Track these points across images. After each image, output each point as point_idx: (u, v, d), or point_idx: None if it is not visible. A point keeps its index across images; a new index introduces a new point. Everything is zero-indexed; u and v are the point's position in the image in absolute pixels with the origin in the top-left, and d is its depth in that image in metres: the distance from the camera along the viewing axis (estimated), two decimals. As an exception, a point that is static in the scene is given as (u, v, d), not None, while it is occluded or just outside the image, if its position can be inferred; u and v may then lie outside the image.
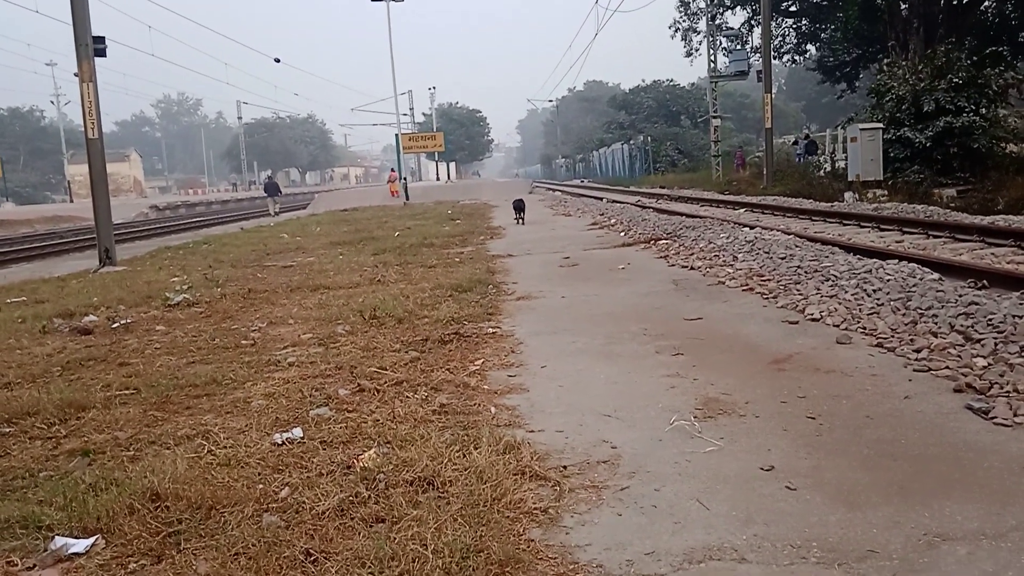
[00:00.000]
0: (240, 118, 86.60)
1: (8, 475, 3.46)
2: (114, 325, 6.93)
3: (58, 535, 2.82)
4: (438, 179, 60.76)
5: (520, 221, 17.93)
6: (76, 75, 12.89)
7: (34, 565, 2.67)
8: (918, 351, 4.67)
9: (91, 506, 2.99)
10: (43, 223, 38.00)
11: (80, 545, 2.74)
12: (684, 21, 38.60)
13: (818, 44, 36.28)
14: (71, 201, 59.89)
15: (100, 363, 5.52)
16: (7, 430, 4.08)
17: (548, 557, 2.58)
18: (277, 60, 50.60)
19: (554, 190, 48.68)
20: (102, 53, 12.88)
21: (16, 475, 3.46)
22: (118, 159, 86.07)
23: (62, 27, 15.08)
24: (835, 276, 7.15)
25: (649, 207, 21.49)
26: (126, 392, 4.67)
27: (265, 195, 38.12)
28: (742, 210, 18.94)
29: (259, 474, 3.29)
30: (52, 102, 74.50)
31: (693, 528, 2.73)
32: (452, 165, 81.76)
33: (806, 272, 7.60)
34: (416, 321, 6.25)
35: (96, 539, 2.79)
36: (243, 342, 5.98)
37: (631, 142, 55.96)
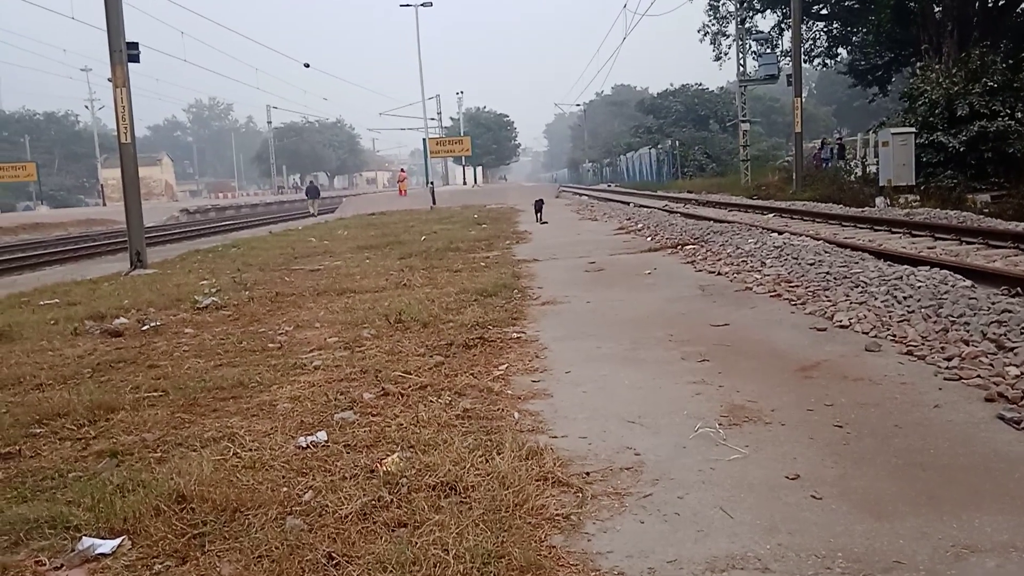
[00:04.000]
0: (270, 122, 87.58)
1: (38, 475, 3.52)
2: (144, 327, 7.02)
3: (85, 535, 2.86)
4: (464, 183, 60.92)
5: (540, 219, 19.20)
6: (110, 80, 13.10)
7: (61, 565, 2.71)
8: (949, 359, 4.59)
9: (118, 507, 3.03)
10: (76, 226, 38.65)
11: (107, 546, 2.78)
12: (713, 25, 38.45)
13: (849, 47, 35.94)
14: (104, 204, 60.89)
15: (130, 365, 5.58)
16: (38, 431, 4.14)
17: (570, 564, 2.57)
18: (307, 65, 51.21)
19: (581, 194, 48.58)
20: (135, 59, 13.09)
21: (46, 476, 3.51)
22: (150, 163, 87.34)
23: (97, 33, 15.35)
24: (865, 282, 7.07)
25: (676, 212, 21.39)
26: (154, 394, 4.72)
27: (307, 198, 42.27)
28: (771, 215, 18.78)
29: (283, 477, 3.32)
30: (87, 107, 75.78)
31: (716, 536, 2.71)
32: (479, 169, 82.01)
33: (835, 278, 7.53)
34: (441, 325, 6.27)
35: (122, 540, 2.83)
36: (270, 345, 6.03)
37: (659, 146, 55.78)
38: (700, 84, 65.98)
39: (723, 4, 37.51)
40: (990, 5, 27.12)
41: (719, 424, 3.76)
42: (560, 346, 5.60)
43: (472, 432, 3.75)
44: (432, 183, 40.36)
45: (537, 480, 3.15)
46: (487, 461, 3.32)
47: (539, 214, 19.95)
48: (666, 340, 5.60)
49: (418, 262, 11.36)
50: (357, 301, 7.93)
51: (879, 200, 19.46)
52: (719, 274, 8.76)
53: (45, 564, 2.72)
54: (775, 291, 7.32)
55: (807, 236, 11.59)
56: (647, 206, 25.60)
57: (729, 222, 15.75)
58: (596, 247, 12.72)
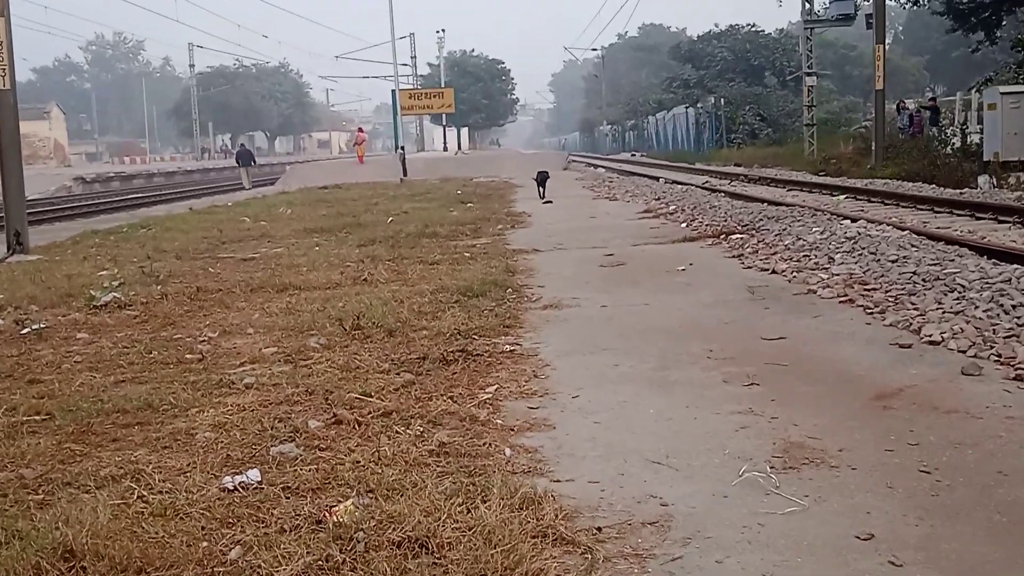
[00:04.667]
0: (192, 66, 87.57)
1: None
2: (24, 331, 7.00)
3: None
4: (445, 149, 60.85)
5: (543, 197, 20.09)
6: (-17, 8, 13.05)
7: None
8: (1071, 388, 4.60)
9: (-15, 566, 3.01)
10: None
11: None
12: (771, -53, 38.51)
13: (948, -20, 35.94)
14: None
15: (4, 379, 5.56)
16: None
17: (574, 648, 2.58)
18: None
19: (596, 166, 48.83)
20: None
21: None
22: (35, 116, 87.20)
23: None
24: (962, 286, 7.12)
25: (720, 191, 21.48)
26: (36, 418, 4.70)
27: (237, 165, 41.41)
28: (842, 197, 18.86)
29: (203, 528, 3.30)
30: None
31: (765, 614, 2.72)
32: (464, 132, 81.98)
33: (924, 280, 7.57)
34: (412, 334, 6.36)
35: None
36: (188, 356, 6.04)
37: (698, 105, 55.93)
38: (753, 25, 66.25)
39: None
40: None
41: (771, 467, 3.77)
42: (566, 363, 5.65)
43: (450, 473, 3.75)
44: (402, 148, 40.34)
45: (533, 537, 3.14)
46: (469, 511, 3.31)
47: (542, 190, 20.46)
48: (703, 357, 5.65)
49: (383, 251, 11.48)
50: (303, 300, 7.98)
51: (982, 179, 19.54)
52: (773, 272, 8.86)
53: None
54: (846, 295, 7.36)
55: (888, 225, 11.65)
56: (682, 183, 25.66)
57: (788, 205, 15.83)
58: (615, 234, 12.81)
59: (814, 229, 11.21)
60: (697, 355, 5.69)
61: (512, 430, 4.37)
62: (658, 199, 19.38)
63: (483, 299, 7.75)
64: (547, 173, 21.47)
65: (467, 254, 10.99)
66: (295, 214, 18.73)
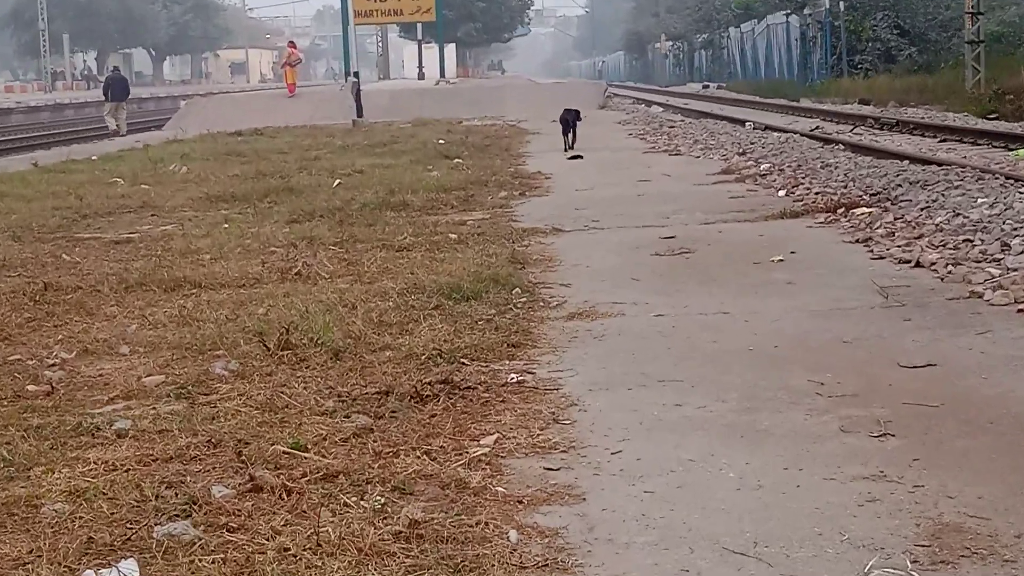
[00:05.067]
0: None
1: None
2: None
3: None
4: (422, 77, 60.50)
5: (569, 148, 20.63)
6: None
7: None
8: None
9: None
10: None
11: None
12: None
13: None
14: None
15: None
16: None
17: None
18: None
19: (649, 102, 48.48)
20: None
21: None
22: None
23: None
24: None
25: (837, 141, 21.48)
26: None
27: (105, 99, 40.07)
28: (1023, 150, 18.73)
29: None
30: None
31: None
32: (451, 51, 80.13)
33: None
34: (369, 356, 6.37)
35: None
36: (30, 388, 6.00)
37: (805, 11, 55.49)
38: None
39: None
40: None
41: (912, 561, 3.73)
42: (602, 401, 5.65)
43: (425, 568, 3.74)
44: (356, 76, 39.58)
45: None
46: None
47: (569, 138, 20.77)
48: (810, 393, 5.65)
49: (326, 231, 11.51)
50: (205, 304, 7.99)
51: None
52: (917, 265, 8.84)
53: None
54: (1030, 301, 7.30)
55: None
56: (780, 128, 25.70)
57: (940, 164, 15.76)
58: (678, 207, 12.87)
59: (980, 201, 11.13)
60: (801, 390, 5.68)
61: (520, 503, 4.34)
62: (743, 154, 19.34)
63: (477, 304, 7.80)
64: (577, 113, 21.47)
65: (453, 236, 10.99)
66: (194, 173, 18.67)
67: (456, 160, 19.70)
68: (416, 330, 6.95)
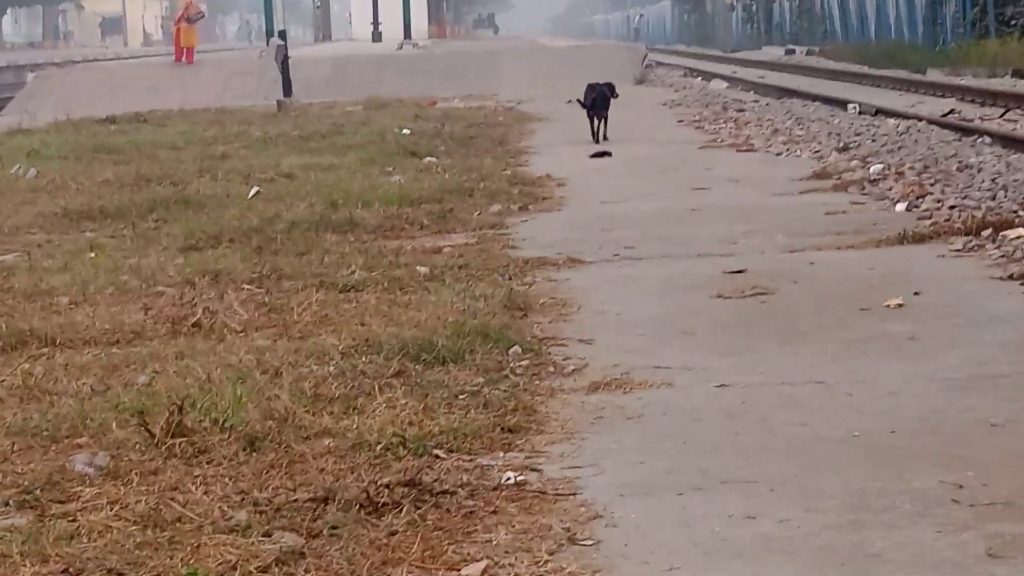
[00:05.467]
0: None
1: None
2: None
3: None
4: (377, 39, 56.09)
5: (597, 139, 18.54)
6: None
7: None
8: None
9: None
10: None
11: None
12: None
13: None
14: None
15: None
16: None
17: None
18: None
19: (708, 75, 44.19)
20: None
21: None
22: None
23: None
24: None
25: (982, 130, 20.04)
26: None
27: None
28: None
29: None
30: None
31: None
32: (422, 2, 70.40)
33: None
34: (298, 446, 5.50)
35: None
36: None
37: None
38: None
39: None
40: None
41: None
42: (640, 510, 4.81)
43: None
44: (282, 37, 34.52)
45: None
46: None
47: (597, 125, 18.67)
48: (943, 500, 4.77)
49: (238, 261, 10.22)
50: (60, 369, 7.00)
51: None
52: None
53: None
54: None
55: None
56: (897, 113, 23.96)
57: None
58: (749, 226, 11.71)
59: None
60: (930, 496, 4.77)
61: None
62: (844, 150, 17.78)
63: (458, 368, 6.71)
64: (610, 89, 19.27)
65: (423, 269, 9.70)
66: (47, 179, 16.66)
67: (428, 159, 17.87)
68: (369, 408, 5.91)
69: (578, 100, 18.99)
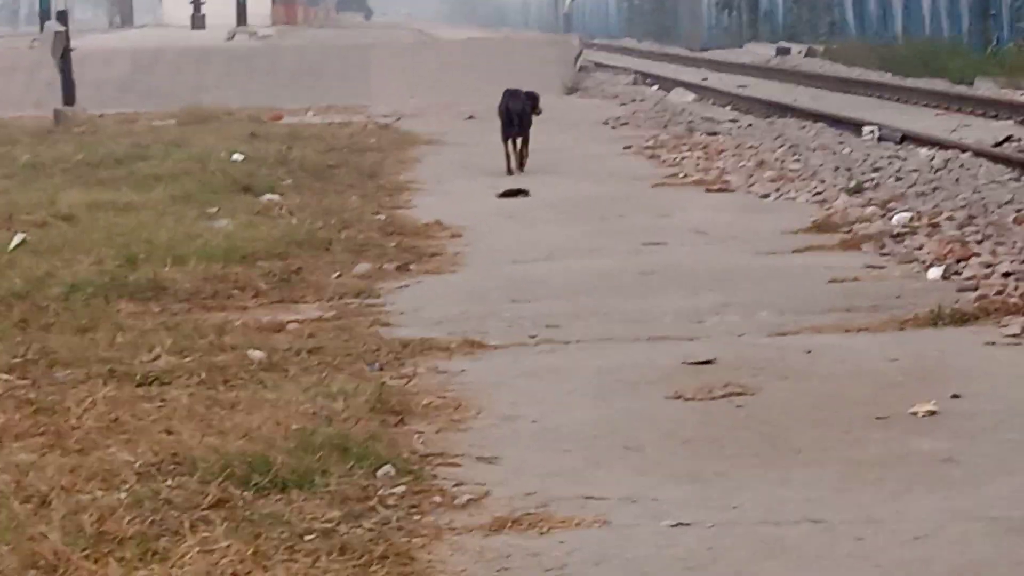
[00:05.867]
0: None
1: None
2: None
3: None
4: (199, 26, 52.88)
5: (514, 168, 16.26)
6: None
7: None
8: None
9: None
10: None
11: None
12: None
13: None
14: None
15: None
16: None
17: None
18: None
19: (668, 82, 41.09)
20: None
21: None
22: None
23: None
24: None
25: None
26: None
27: None
28: None
29: None
30: None
31: None
32: None
33: None
34: None
35: None
36: None
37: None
38: None
39: None
40: None
41: None
42: None
43: None
44: (62, 20, 30.16)
45: None
46: None
47: (516, 144, 16.38)
48: None
49: None
50: None
51: None
52: None
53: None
54: None
55: None
56: (933, 141, 21.56)
57: None
58: (721, 296, 10.22)
59: None
60: None
61: None
62: (856, 189, 15.61)
63: (304, 496, 5.53)
64: (531, 101, 17.11)
65: (258, 353, 8.30)
66: None
67: (268, 196, 15.54)
68: (175, 553, 4.77)
69: (499, 112, 16.72)
